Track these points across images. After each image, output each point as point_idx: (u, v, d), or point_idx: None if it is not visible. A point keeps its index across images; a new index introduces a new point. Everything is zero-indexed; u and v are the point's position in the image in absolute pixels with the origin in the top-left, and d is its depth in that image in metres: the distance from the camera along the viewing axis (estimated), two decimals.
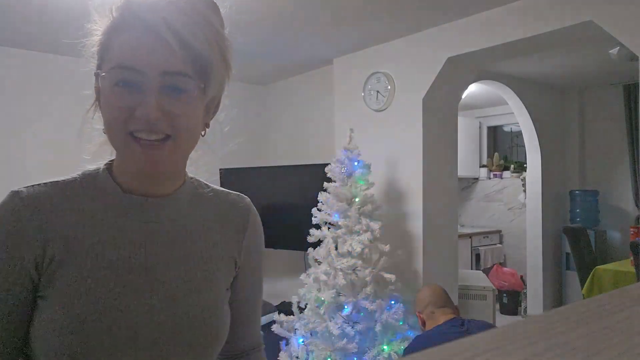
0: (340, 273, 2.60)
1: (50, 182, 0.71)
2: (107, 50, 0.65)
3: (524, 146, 4.78)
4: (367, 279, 2.64)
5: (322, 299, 2.64)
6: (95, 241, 0.67)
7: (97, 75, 0.67)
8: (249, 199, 0.86)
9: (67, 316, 0.62)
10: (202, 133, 0.75)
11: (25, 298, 0.65)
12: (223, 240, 0.78)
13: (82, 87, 0.78)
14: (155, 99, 0.62)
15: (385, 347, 2.60)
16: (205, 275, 0.73)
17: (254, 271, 0.83)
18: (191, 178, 0.82)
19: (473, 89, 4.49)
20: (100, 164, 0.75)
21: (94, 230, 0.68)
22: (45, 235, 0.65)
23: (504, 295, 4.83)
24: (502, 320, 4.55)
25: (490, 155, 6.05)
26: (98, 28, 0.67)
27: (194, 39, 0.63)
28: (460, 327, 1.94)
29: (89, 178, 0.73)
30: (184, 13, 0.63)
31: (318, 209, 2.81)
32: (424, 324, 2.15)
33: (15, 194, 0.67)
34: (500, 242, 5.71)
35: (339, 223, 2.72)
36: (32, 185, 0.69)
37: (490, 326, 2.11)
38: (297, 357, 2.75)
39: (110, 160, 0.75)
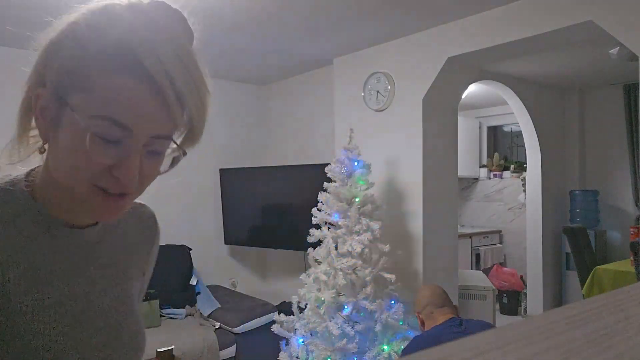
0: (340, 273, 2.60)
1: None
2: (85, 82, 0.54)
3: (524, 146, 4.78)
4: (367, 279, 2.64)
5: (322, 299, 2.64)
6: (29, 275, 0.59)
7: (60, 102, 0.55)
8: (150, 208, 0.80)
9: (9, 353, 0.57)
10: None
11: None
12: (138, 255, 0.76)
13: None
14: (137, 161, 0.55)
15: (385, 347, 2.60)
16: (131, 294, 0.73)
17: (148, 280, 0.82)
18: None
19: (473, 89, 4.49)
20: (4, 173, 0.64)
21: (27, 262, 0.60)
22: None
23: (504, 295, 4.82)
24: (502, 320, 4.55)
25: (490, 155, 6.05)
26: (69, 36, 0.56)
27: (192, 102, 0.57)
28: (458, 327, 1.94)
29: (9, 201, 0.61)
30: (184, 66, 0.57)
31: (318, 209, 2.81)
32: (423, 324, 2.14)
33: None
34: (500, 242, 5.71)
35: (339, 223, 2.72)
36: None
37: (489, 326, 2.10)
38: (297, 357, 2.75)
39: (26, 175, 0.64)
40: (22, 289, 0.58)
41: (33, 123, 0.61)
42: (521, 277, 4.89)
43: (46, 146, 0.60)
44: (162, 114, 0.55)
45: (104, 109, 0.54)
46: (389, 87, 3.23)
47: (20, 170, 0.64)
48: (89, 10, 0.56)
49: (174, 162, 0.62)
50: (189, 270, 3.75)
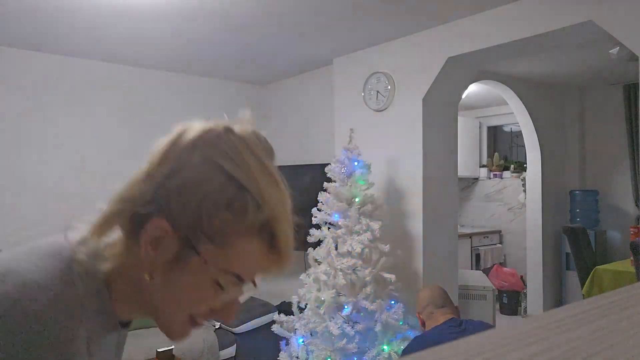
0: (340, 273, 2.60)
1: (53, 295, 0.55)
2: (222, 238, 0.56)
3: (524, 146, 4.78)
4: (367, 279, 2.64)
5: (322, 299, 2.64)
6: None
7: (187, 246, 0.56)
8: None
9: None
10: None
11: None
12: None
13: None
14: (237, 306, 0.62)
15: (385, 347, 2.60)
16: None
17: None
18: None
19: (473, 89, 4.49)
20: (87, 262, 0.60)
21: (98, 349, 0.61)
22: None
23: (504, 295, 4.82)
24: (502, 320, 4.55)
25: (490, 155, 6.05)
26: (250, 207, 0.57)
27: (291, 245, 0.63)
28: (458, 327, 1.94)
29: (89, 294, 0.59)
30: (290, 219, 0.62)
31: (318, 209, 2.81)
32: (423, 324, 2.14)
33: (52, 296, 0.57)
34: (500, 242, 5.71)
35: (339, 223, 2.72)
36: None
37: (489, 326, 2.10)
38: (297, 357, 2.75)
39: (104, 275, 0.61)
40: None
41: (140, 242, 0.58)
42: (521, 277, 4.89)
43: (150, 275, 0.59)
44: (274, 266, 0.61)
45: (235, 266, 0.58)
46: (389, 87, 3.23)
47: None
48: (223, 157, 0.57)
49: None
50: None
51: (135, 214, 0.58)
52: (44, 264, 0.57)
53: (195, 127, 0.59)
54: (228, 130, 0.58)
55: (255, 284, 0.61)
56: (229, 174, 0.56)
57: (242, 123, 0.60)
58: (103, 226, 0.60)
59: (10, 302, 0.52)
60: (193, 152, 0.57)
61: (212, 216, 0.55)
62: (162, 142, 0.60)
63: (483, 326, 1.99)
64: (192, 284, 0.58)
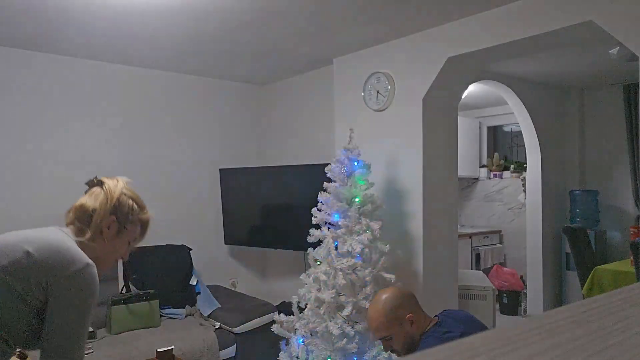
0: (340, 273, 2.60)
1: (88, 260, 1.35)
2: (135, 223, 1.48)
3: (524, 146, 4.78)
4: (367, 279, 2.64)
5: (322, 298, 2.64)
6: None
7: (121, 227, 1.46)
8: None
9: None
10: None
11: None
12: None
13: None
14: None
15: None
16: None
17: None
18: None
19: (473, 89, 4.50)
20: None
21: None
22: None
23: (504, 295, 4.83)
24: (502, 320, 4.55)
25: (490, 155, 6.05)
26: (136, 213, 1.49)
27: None
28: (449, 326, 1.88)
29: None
30: None
31: (318, 209, 2.81)
32: (412, 324, 1.93)
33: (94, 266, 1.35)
34: (500, 242, 5.71)
35: (339, 223, 2.72)
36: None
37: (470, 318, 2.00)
38: (297, 357, 2.75)
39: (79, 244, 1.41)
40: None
41: (104, 231, 1.44)
42: (521, 277, 4.89)
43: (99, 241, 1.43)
44: (139, 239, 1.55)
45: (134, 233, 1.50)
46: (389, 87, 3.23)
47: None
48: (125, 195, 1.48)
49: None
50: (189, 270, 3.75)
51: (104, 217, 1.42)
52: (71, 242, 1.36)
53: (117, 185, 1.48)
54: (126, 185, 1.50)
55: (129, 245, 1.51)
56: (133, 203, 1.49)
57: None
58: (87, 233, 1.42)
59: (86, 261, 1.30)
60: (120, 197, 1.45)
61: (132, 214, 1.46)
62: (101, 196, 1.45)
63: (461, 321, 1.93)
64: (122, 243, 1.46)
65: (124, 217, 1.41)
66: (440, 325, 1.88)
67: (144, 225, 1.49)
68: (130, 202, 1.44)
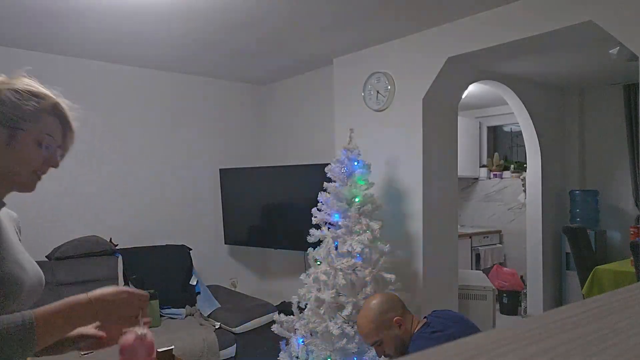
0: (340, 273, 2.60)
1: None
2: (37, 117, 1.06)
3: (524, 146, 4.78)
4: (367, 279, 2.64)
5: (322, 298, 2.64)
6: None
7: (11, 129, 1.03)
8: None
9: None
10: None
11: None
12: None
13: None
14: (57, 154, 1.11)
15: None
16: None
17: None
18: None
19: (473, 89, 4.49)
20: None
21: None
22: None
23: (504, 295, 4.82)
24: (502, 320, 4.55)
25: (490, 155, 6.05)
26: (39, 102, 1.07)
27: (68, 125, 1.16)
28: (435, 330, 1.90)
29: None
30: (67, 109, 1.16)
31: (318, 209, 2.81)
32: (400, 327, 1.96)
33: None
34: (500, 242, 5.71)
35: (339, 223, 2.72)
36: None
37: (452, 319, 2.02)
38: (297, 357, 2.75)
39: None
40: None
41: None
42: (521, 277, 4.89)
43: None
44: (63, 132, 1.13)
45: (43, 128, 1.07)
46: (389, 87, 3.23)
47: None
48: (10, 87, 1.06)
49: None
50: (189, 270, 3.75)
51: None
52: None
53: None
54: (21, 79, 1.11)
55: (63, 150, 1.13)
56: (16, 96, 1.05)
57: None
58: None
59: None
60: (3, 92, 1.04)
61: (20, 110, 1.03)
62: None
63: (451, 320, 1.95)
64: (28, 149, 1.04)
65: (7, 117, 1.01)
66: (429, 326, 1.91)
67: (58, 113, 1.10)
68: (10, 95, 1.02)
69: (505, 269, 5.03)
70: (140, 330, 0.98)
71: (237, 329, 3.29)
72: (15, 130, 1.02)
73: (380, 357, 2.06)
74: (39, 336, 0.90)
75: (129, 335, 0.97)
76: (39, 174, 1.07)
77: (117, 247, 3.55)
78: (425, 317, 1.99)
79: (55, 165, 1.09)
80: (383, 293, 2.24)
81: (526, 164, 4.77)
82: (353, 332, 2.57)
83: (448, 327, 1.88)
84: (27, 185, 1.07)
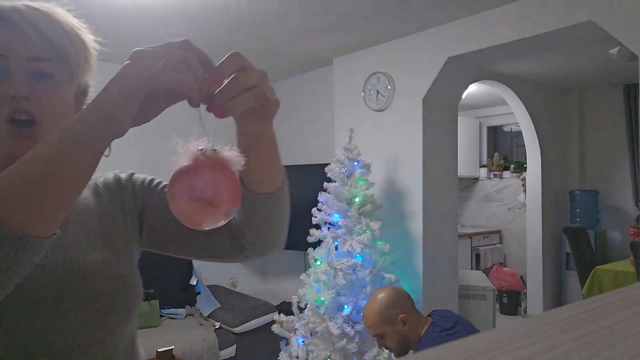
0: (340, 273, 2.60)
1: None
2: None
3: (524, 146, 4.78)
4: (367, 279, 2.64)
5: (322, 299, 2.64)
6: None
7: None
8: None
9: None
10: None
11: None
12: (112, 206, 0.83)
13: None
14: (24, 77, 0.65)
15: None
16: (105, 233, 0.79)
17: (157, 189, 0.87)
18: None
19: (473, 89, 4.49)
20: None
21: None
22: None
23: (504, 295, 4.82)
24: (502, 320, 4.55)
25: (490, 155, 6.05)
26: None
27: (52, 29, 0.69)
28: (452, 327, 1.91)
29: None
30: (36, 9, 0.69)
31: (318, 209, 2.81)
32: (405, 325, 1.93)
33: None
34: (500, 242, 5.71)
35: (339, 223, 2.72)
36: None
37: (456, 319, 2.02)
38: (297, 357, 2.75)
39: None
40: None
41: None
42: (521, 277, 4.89)
43: None
44: (25, 38, 0.66)
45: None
46: (389, 87, 3.23)
47: None
48: None
49: (78, 99, 0.77)
50: (189, 270, 3.75)
51: None
52: None
53: None
54: None
55: (12, 55, 0.66)
56: None
57: None
58: None
59: None
60: None
61: None
62: None
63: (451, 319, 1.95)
64: None
65: None
66: (436, 325, 1.91)
67: None
68: None
69: (505, 269, 5.03)
70: (204, 144, 0.57)
71: (237, 329, 3.29)
72: None
73: (380, 348, 2.07)
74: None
75: (185, 153, 0.57)
76: (5, 115, 0.64)
77: None
78: (429, 316, 1.99)
79: (21, 92, 0.65)
80: (394, 287, 2.21)
81: (526, 164, 4.78)
82: (353, 332, 2.57)
83: (453, 325, 1.89)
84: (2, 141, 0.66)
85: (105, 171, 0.86)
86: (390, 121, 3.24)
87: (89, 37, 0.79)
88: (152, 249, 0.87)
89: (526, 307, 4.76)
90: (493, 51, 2.82)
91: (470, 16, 2.79)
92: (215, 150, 0.58)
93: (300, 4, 2.60)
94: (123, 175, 0.89)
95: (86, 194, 0.82)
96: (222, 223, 0.58)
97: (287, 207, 0.83)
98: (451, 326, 1.88)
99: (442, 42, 2.94)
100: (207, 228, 0.57)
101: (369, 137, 3.27)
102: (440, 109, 3.17)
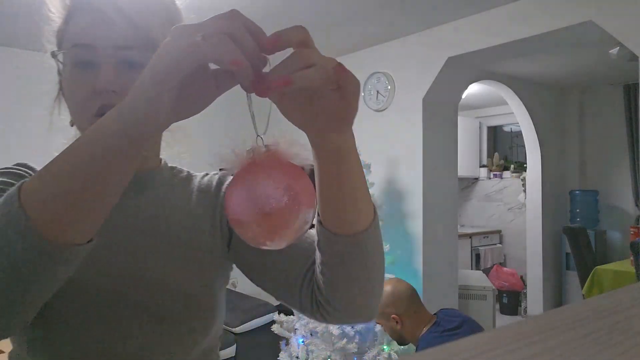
0: None
1: None
2: (63, 37, 0.65)
3: (524, 146, 4.78)
4: None
5: None
6: None
7: (56, 63, 0.67)
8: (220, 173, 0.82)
9: None
10: None
11: None
12: (207, 213, 0.74)
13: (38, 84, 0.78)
14: (111, 69, 0.60)
15: (385, 347, 2.60)
16: (183, 246, 0.70)
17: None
18: (168, 164, 0.83)
19: (473, 89, 4.49)
20: None
21: None
22: None
23: (504, 295, 4.82)
24: (502, 320, 4.55)
25: (490, 155, 6.05)
26: (54, 18, 0.67)
27: (140, 14, 0.63)
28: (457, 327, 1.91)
29: None
30: None
31: None
32: (399, 324, 1.95)
33: None
34: (500, 242, 5.71)
35: None
36: None
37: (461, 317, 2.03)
38: (297, 357, 2.75)
39: None
40: None
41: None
42: (521, 277, 4.89)
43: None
44: (114, 27, 0.61)
45: (71, 41, 0.63)
46: (389, 87, 3.23)
47: None
48: None
49: None
50: None
51: None
52: None
53: None
54: None
55: (98, 45, 0.62)
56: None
57: None
58: None
59: None
60: None
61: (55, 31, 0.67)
62: None
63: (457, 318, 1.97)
64: (67, 85, 0.66)
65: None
66: (439, 325, 1.90)
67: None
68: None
69: (505, 269, 5.03)
70: (264, 142, 0.47)
71: (237, 329, 3.29)
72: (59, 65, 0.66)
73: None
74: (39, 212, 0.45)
75: (228, 158, 0.46)
76: (94, 110, 0.61)
77: None
78: (435, 314, 1.99)
79: (108, 86, 0.60)
80: (397, 284, 2.15)
81: (526, 164, 4.78)
82: (353, 332, 2.57)
83: (457, 326, 1.89)
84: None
85: None
86: (390, 121, 3.24)
87: (178, 10, 0.71)
88: (238, 267, 0.76)
89: (526, 307, 4.76)
90: (493, 51, 2.82)
91: (470, 16, 2.79)
92: (267, 146, 0.47)
93: (299, 4, 2.60)
94: (223, 178, 0.80)
95: (178, 194, 0.75)
96: (296, 236, 0.46)
97: (380, 253, 0.64)
98: (455, 326, 1.88)
99: (442, 42, 2.94)
100: (277, 247, 0.46)
101: (369, 137, 3.27)
102: (440, 109, 3.17)
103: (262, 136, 0.47)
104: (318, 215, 0.58)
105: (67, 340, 0.61)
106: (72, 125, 0.70)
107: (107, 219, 0.55)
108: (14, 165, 0.69)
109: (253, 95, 0.46)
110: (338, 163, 0.53)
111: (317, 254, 0.60)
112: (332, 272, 0.59)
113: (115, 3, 0.62)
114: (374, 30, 3.05)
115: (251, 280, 0.73)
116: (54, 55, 0.65)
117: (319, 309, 0.63)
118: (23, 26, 2.91)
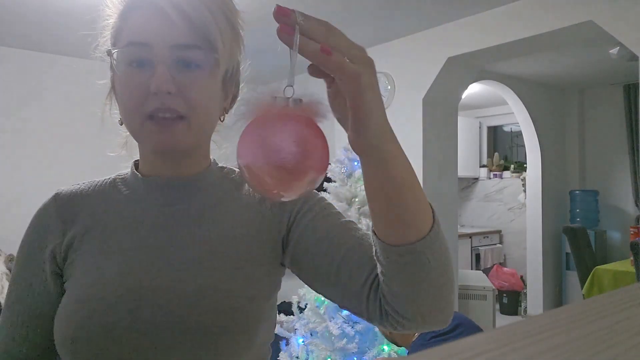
0: None
1: (89, 181, 0.76)
2: (119, 34, 0.64)
3: (524, 146, 4.78)
4: None
5: (322, 299, 2.64)
6: (113, 227, 0.67)
7: (110, 60, 0.65)
8: None
9: (71, 298, 0.62)
10: (221, 118, 0.73)
11: (45, 293, 0.67)
12: (256, 219, 0.71)
13: (85, 88, 0.79)
14: (167, 70, 0.59)
15: (385, 347, 2.60)
16: (229, 255, 0.67)
17: (312, 214, 0.70)
18: (218, 164, 0.81)
19: (473, 89, 4.50)
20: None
21: (115, 217, 0.68)
22: (65, 226, 0.67)
23: (504, 295, 4.82)
24: (502, 320, 4.55)
25: (490, 155, 6.05)
26: (110, 14, 0.66)
27: (197, 12, 0.60)
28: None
29: (120, 176, 0.76)
30: None
31: None
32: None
33: (54, 194, 0.72)
34: (500, 242, 5.70)
35: None
36: (73, 184, 0.74)
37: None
38: (297, 357, 2.75)
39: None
40: (104, 241, 0.67)
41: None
42: (521, 277, 4.89)
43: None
44: (170, 25, 0.60)
45: (126, 39, 0.62)
46: (389, 87, 3.23)
47: None
48: None
49: (226, 89, 0.70)
50: None
51: None
52: None
53: None
54: None
55: (154, 43, 0.60)
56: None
57: None
58: None
59: None
60: None
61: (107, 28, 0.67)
62: None
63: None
64: (119, 83, 0.65)
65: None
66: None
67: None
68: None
69: (505, 269, 5.03)
70: (285, 93, 0.46)
71: None
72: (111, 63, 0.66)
73: None
74: None
75: (258, 103, 0.46)
76: (147, 111, 0.61)
77: None
78: None
79: (163, 88, 0.59)
80: None
81: (526, 164, 4.78)
82: (353, 332, 2.57)
83: (449, 330, 1.88)
84: (142, 137, 0.65)
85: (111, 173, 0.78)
86: (390, 121, 3.24)
87: (234, 10, 0.67)
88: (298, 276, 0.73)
89: (526, 307, 4.76)
90: (493, 51, 2.82)
91: (470, 16, 2.79)
92: (298, 100, 0.45)
93: (299, 4, 2.60)
94: None
95: (227, 200, 0.72)
96: (302, 193, 0.46)
97: (445, 258, 0.61)
98: (447, 330, 1.87)
99: (442, 42, 2.94)
100: (283, 199, 0.46)
101: None
102: (440, 109, 3.17)
103: (293, 86, 0.46)
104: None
105: (110, 354, 0.60)
106: (121, 124, 0.70)
107: (153, 225, 0.66)
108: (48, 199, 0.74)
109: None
110: (377, 171, 0.52)
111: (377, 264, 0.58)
112: (393, 281, 0.57)
113: (173, 0, 0.60)
114: (374, 30, 3.05)
115: (314, 289, 0.69)
116: (109, 53, 0.65)
117: (388, 318, 0.60)
118: (23, 26, 2.91)
